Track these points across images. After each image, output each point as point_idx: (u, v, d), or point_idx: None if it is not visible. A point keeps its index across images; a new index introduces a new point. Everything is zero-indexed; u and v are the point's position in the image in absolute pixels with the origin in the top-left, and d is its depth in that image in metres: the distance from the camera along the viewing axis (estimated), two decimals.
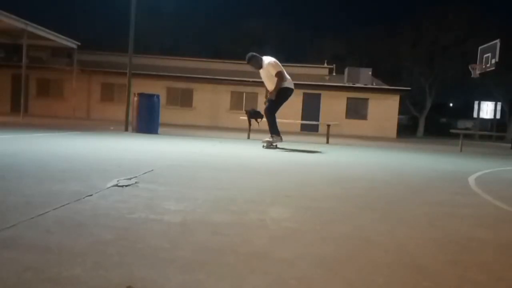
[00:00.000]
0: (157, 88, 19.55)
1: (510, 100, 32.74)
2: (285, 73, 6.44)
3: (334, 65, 25.82)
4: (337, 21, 67.90)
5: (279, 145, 6.67)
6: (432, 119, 36.02)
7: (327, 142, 10.07)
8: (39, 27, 14.55)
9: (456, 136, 12.52)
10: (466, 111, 39.38)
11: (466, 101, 40.71)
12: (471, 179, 3.87)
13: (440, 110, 41.73)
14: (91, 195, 2.04)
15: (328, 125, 10.55)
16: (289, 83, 6.48)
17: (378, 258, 1.35)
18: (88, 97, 22.06)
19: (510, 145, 16.52)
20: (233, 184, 2.74)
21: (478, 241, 1.67)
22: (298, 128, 20.88)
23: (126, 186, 2.34)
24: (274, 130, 6.39)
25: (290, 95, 6.56)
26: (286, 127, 19.29)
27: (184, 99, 22.15)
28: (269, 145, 6.38)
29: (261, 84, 6.86)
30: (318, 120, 20.50)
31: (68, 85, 20.34)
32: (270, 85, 6.45)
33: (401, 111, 23.90)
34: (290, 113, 20.57)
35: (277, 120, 6.60)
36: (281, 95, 6.39)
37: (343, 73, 22.99)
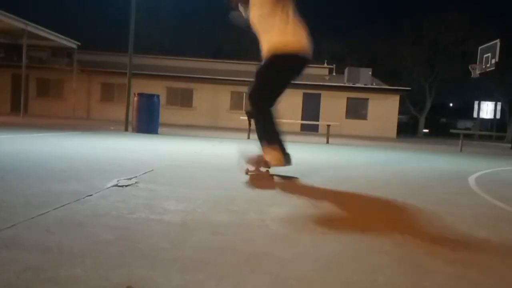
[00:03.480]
0: (157, 88, 19.58)
1: (510, 100, 32.77)
2: (300, 23, 2.96)
3: (334, 65, 25.87)
4: (337, 21, 67.97)
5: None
6: (432, 119, 36.06)
7: (327, 142, 10.07)
8: (39, 27, 14.56)
9: (456, 136, 12.52)
10: (466, 111, 39.41)
11: (466, 101, 40.78)
12: (471, 179, 3.87)
13: (440, 110, 41.75)
14: (91, 195, 2.04)
15: (328, 125, 10.55)
16: (299, 45, 2.92)
17: (378, 258, 1.35)
18: (88, 97, 22.07)
19: (510, 145, 16.52)
20: (233, 184, 2.74)
21: (478, 241, 1.67)
22: (298, 128, 20.89)
23: (126, 186, 2.34)
24: (269, 135, 3.08)
25: (301, 69, 3.05)
26: (286, 127, 19.39)
27: (184, 99, 22.16)
28: (258, 168, 3.16)
29: None
30: (318, 120, 20.50)
31: (68, 85, 20.36)
32: (268, 36, 2.97)
33: (401, 111, 23.91)
34: (290, 113, 20.62)
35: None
36: (281, 65, 2.96)
37: (343, 73, 23.02)
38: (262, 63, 3.01)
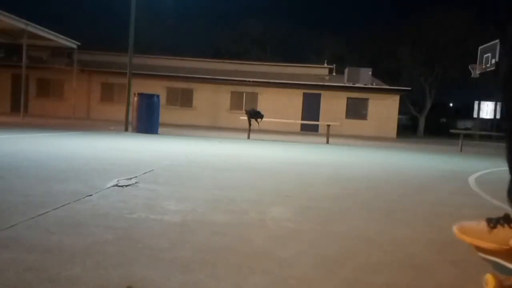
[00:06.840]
0: (157, 88, 19.57)
1: None
2: None
3: (334, 65, 25.84)
4: (337, 21, 67.93)
5: None
6: (432, 119, 36.03)
7: (327, 142, 10.07)
8: (39, 27, 14.55)
9: (456, 136, 12.52)
10: (466, 111, 39.42)
11: (466, 101, 40.76)
12: (471, 179, 3.87)
13: (440, 110, 41.72)
14: (91, 195, 2.04)
15: (328, 125, 10.55)
16: None
17: (378, 258, 1.35)
18: (88, 97, 22.06)
19: None
20: (233, 184, 2.74)
21: None
22: (298, 128, 20.88)
23: (126, 186, 2.34)
24: None
25: None
26: (287, 127, 19.35)
27: (184, 99, 22.15)
28: None
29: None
30: (318, 120, 20.49)
31: (68, 85, 20.36)
32: None
33: (401, 111, 23.91)
34: (290, 113, 20.61)
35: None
36: None
37: (343, 73, 22.99)
38: None
